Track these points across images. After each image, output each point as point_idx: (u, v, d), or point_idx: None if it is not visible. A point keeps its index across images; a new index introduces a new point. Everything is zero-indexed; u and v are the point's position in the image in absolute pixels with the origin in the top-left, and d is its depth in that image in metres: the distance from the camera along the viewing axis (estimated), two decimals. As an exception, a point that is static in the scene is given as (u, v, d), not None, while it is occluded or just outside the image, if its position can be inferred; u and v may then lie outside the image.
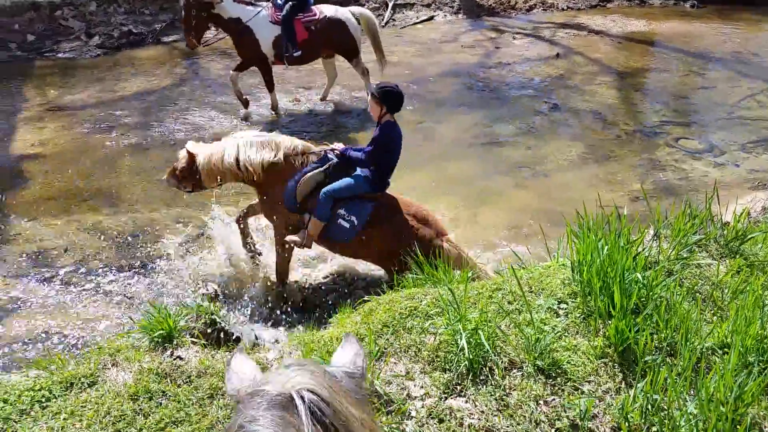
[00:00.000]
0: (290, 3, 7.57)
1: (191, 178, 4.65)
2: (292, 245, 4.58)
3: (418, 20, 13.17)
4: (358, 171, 4.51)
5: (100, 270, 5.13)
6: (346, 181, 4.45)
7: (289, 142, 4.59)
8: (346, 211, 4.43)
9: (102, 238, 5.57)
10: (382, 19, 13.08)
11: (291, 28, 7.56)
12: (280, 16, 7.60)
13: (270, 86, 8.06)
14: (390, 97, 4.37)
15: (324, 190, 4.41)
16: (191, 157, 4.58)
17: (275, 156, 4.47)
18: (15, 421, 2.58)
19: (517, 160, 7.19)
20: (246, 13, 7.59)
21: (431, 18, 13.31)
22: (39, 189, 6.36)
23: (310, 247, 4.60)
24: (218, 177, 4.56)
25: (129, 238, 5.56)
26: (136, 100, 8.70)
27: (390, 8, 13.37)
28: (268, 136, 4.62)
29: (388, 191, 4.64)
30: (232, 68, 8.15)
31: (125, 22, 11.74)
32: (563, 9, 14.07)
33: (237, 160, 4.45)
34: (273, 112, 8.27)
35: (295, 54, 7.70)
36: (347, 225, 4.42)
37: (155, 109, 8.37)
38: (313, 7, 7.82)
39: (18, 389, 2.72)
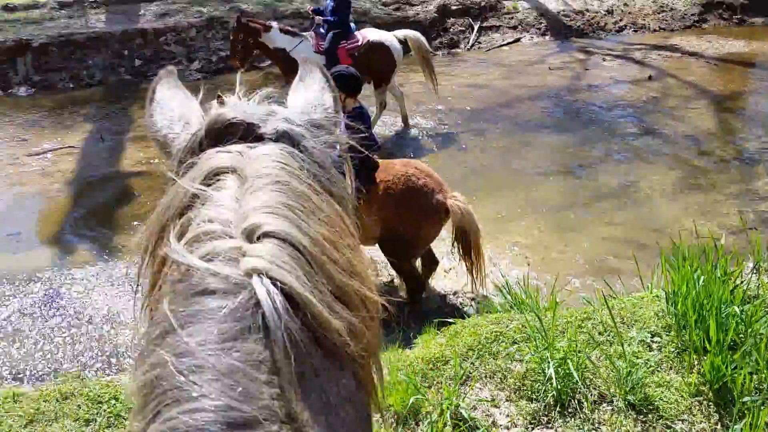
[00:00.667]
0: (333, 32, 7.66)
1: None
2: None
3: (504, 42, 13.17)
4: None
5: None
6: None
7: None
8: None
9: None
10: (467, 42, 13.18)
11: (334, 56, 7.60)
12: (323, 46, 7.71)
13: None
14: (344, 81, 4.33)
15: None
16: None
17: None
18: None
19: (607, 186, 7.03)
20: (290, 42, 7.73)
21: (517, 40, 13.28)
22: (144, 204, 6.81)
23: None
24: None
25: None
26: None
27: (476, 31, 13.45)
28: None
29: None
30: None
31: (222, 48, 12.41)
32: (655, 30, 13.68)
33: None
34: None
35: None
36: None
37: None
38: (356, 33, 7.89)
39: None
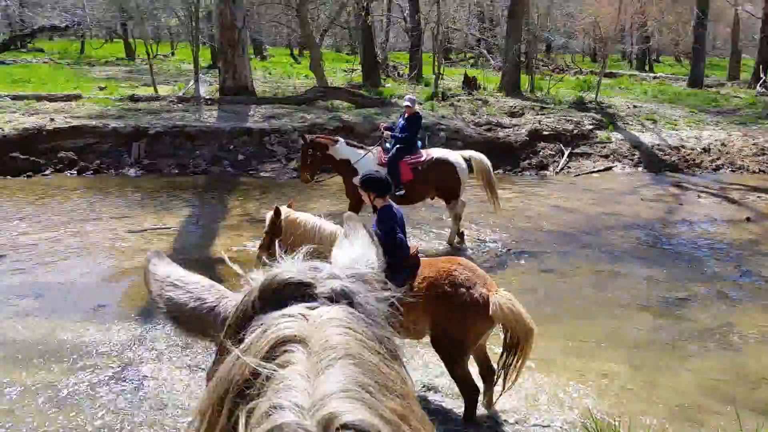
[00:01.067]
0: (397, 146, 8.08)
1: (267, 240, 5.27)
2: None
3: (594, 170, 13.15)
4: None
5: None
6: None
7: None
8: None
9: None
10: (557, 166, 13.25)
11: (396, 169, 7.93)
12: (386, 159, 8.09)
13: None
14: (373, 183, 4.89)
15: None
16: (276, 212, 5.23)
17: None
18: None
19: (695, 327, 6.58)
20: (355, 155, 8.13)
21: (609, 168, 13.24)
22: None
23: None
24: (290, 243, 4.74)
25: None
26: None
27: (566, 156, 13.55)
28: (334, 227, 5.06)
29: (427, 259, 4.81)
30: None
31: (319, 151, 13.09)
32: (755, 172, 13.31)
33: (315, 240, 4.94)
34: None
35: (397, 193, 7.76)
36: None
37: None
38: (422, 150, 8.32)
39: None
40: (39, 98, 14.78)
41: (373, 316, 0.77)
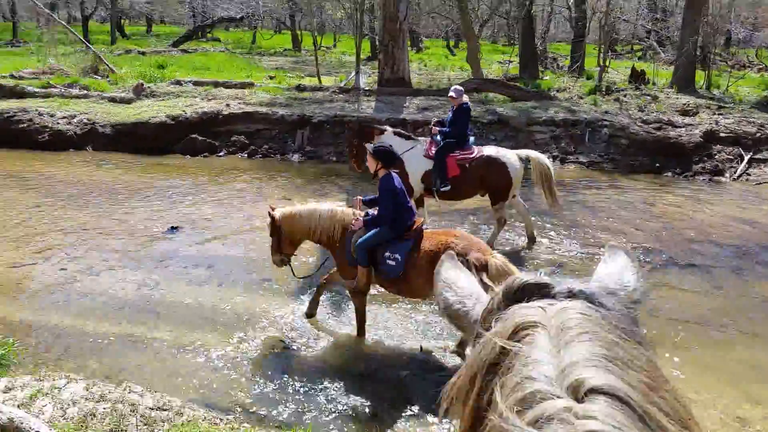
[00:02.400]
0: (446, 141, 7.71)
1: (275, 244, 5.63)
2: (351, 287, 5.50)
3: (779, 179, 11.78)
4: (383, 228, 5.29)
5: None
6: (372, 232, 5.28)
7: (338, 211, 5.52)
8: (390, 252, 5.23)
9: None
10: (734, 172, 12.04)
11: (442, 163, 7.65)
12: (434, 152, 7.75)
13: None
14: (382, 154, 5.45)
15: (357, 243, 5.27)
16: (270, 215, 5.56)
17: (337, 227, 5.48)
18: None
19: None
20: (402, 145, 7.73)
21: (798, 178, 11.79)
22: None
23: (363, 289, 5.45)
24: (297, 237, 5.61)
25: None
26: (471, 214, 9.34)
27: (745, 162, 12.27)
28: (332, 205, 5.59)
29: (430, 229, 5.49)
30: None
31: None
32: None
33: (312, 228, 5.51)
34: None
35: (442, 188, 7.69)
36: (393, 263, 5.21)
37: (484, 225, 8.85)
38: (473, 146, 7.87)
39: None
40: (216, 85, 16.11)
41: (615, 311, 0.81)
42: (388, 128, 8.14)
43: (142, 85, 15.59)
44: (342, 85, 16.74)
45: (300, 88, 16.19)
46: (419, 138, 8.23)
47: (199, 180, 11.07)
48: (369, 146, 6.28)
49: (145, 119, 13.48)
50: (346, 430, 4.28)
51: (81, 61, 18.42)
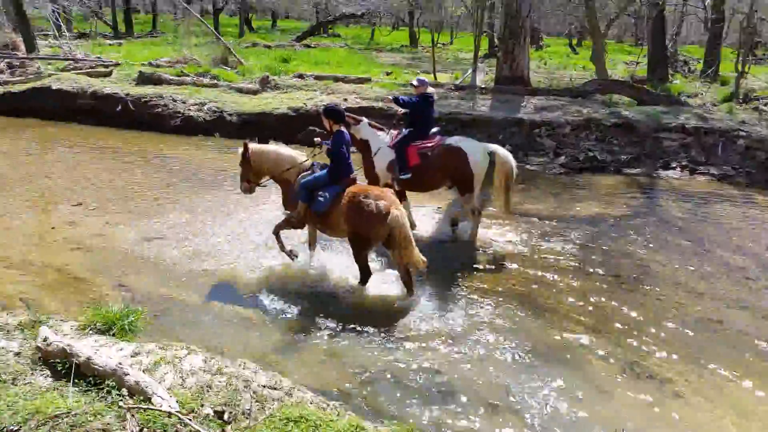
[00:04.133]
0: (407, 130, 7.88)
1: (244, 172, 6.81)
2: (291, 219, 6.71)
3: None
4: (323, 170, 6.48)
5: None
6: (314, 175, 6.47)
7: (298, 158, 6.76)
8: (323, 191, 6.34)
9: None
10: None
11: (402, 153, 7.81)
12: (394, 142, 7.92)
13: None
14: (332, 112, 6.50)
15: (301, 183, 6.48)
16: (245, 147, 6.73)
17: (293, 170, 6.68)
18: None
19: None
20: (374, 137, 8.02)
21: None
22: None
23: (300, 224, 6.73)
24: (263, 169, 6.79)
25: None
26: (586, 222, 8.95)
27: None
28: (293, 152, 6.86)
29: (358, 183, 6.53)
30: None
31: (592, 148, 12.42)
32: None
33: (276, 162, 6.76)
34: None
35: (402, 176, 7.85)
36: (322, 200, 6.31)
37: (604, 235, 8.44)
38: (438, 137, 7.92)
39: None
40: (336, 79, 16.50)
41: None
42: (364, 119, 8.25)
43: (268, 77, 16.27)
44: (458, 82, 16.61)
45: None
46: (390, 130, 8.26)
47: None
48: (326, 118, 6.62)
49: (269, 110, 14.05)
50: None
51: (212, 52, 19.51)
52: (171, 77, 16.14)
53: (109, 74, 16.69)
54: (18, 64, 17.42)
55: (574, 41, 34.08)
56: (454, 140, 7.94)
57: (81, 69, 17.05)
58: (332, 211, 6.24)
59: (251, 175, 6.85)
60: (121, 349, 4.26)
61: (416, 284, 6.32)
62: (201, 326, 5.56)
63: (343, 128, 6.44)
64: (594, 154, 12.24)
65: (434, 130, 8.07)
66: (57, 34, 21.18)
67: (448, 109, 13.78)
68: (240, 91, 15.57)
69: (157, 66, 17.61)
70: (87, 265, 6.79)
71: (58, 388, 3.76)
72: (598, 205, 9.84)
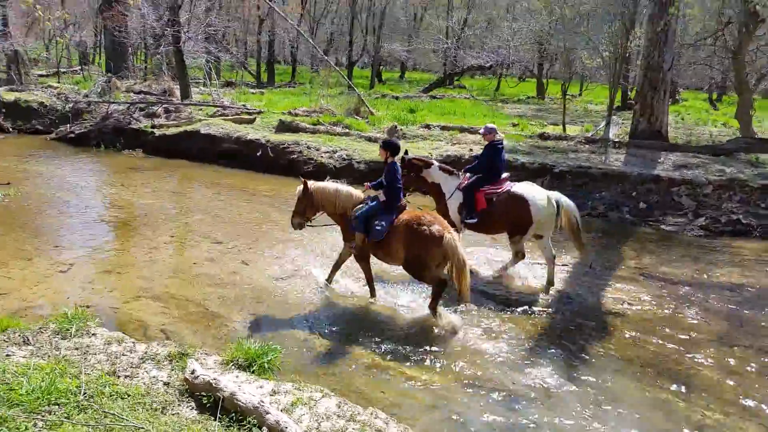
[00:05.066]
0: (477, 176, 8.21)
1: (301, 208, 7.21)
2: (350, 249, 7.32)
3: None
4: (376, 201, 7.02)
5: None
6: (368, 206, 7.00)
7: (355, 193, 7.26)
8: (378, 220, 6.85)
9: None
10: None
11: (471, 197, 8.15)
12: (464, 185, 8.25)
13: None
14: (390, 145, 7.15)
15: (356, 214, 7.00)
16: (305, 184, 7.15)
17: (351, 203, 7.18)
18: None
19: None
20: (445, 180, 8.44)
21: None
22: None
23: (359, 252, 7.17)
24: (320, 206, 7.25)
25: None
26: (727, 290, 8.32)
27: None
28: (350, 188, 7.33)
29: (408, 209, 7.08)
30: None
31: (736, 211, 11.58)
32: None
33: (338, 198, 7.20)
34: None
35: (468, 220, 8.19)
36: (380, 228, 6.80)
37: (747, 306, 7.79)
38: (506, 183, 8.15)
39: None
40: (462, 130, 16.71)
41: None
42: (435, 162, 8.69)
43: (396, 127, 16.79)
44: (589, 135, 16.21)
45: (543, 137, 16.05)
46: (461, 173, 8.58)
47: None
48: (383, 149, 7.21)
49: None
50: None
51: (346, 103, 20.48)
52: (307, 126, 17.09)
53: (252, 121, 17.98)
54: (173, 109, 19.21)
55: (714, 96, 32.24)
56: (519, 187, 8.11)
57: (227, 115, 18.51)
58: (390, 239, 6.75)
59: (309, 211, 7.28)
60: (261, 387, 4.48)
61: (539, 347, 6.13)
62: (333, 367, 5.68)
63: (396, 160, 7.12)
64: (738, 217, 11.39)
65: (505, 175, 8.33)
66: (208, 82, 23.25)
67: (577, 162, 13.48)
68: (369, 139, 16.17)
69: (296, 115, 18.73)
70: (223, 301, 7.23)
71: (202, 421, 4.01)
72: (741, 272, 9.11)
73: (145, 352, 5.04)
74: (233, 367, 4.91)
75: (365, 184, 7.56)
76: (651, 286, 8.38)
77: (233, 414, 4.02)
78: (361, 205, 7.07)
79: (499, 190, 8.07)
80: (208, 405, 4.18)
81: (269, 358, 5.00)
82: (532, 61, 30.91)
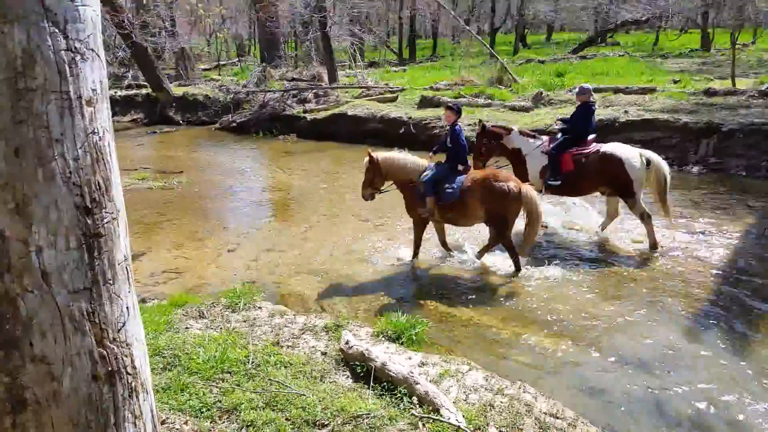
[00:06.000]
0: (564, 137, 8.09)
1: (369, 178, 7.35)
2: (424, 215, 7.34)
3: None
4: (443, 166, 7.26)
5: None
6: (434, 171, 7.19)
7: (420, 162, 7.39)
8: (449, 183, 7.07)
9: None
10: None
11: (556, 158, 8.00)
12: (550, 147, 8.12)
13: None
14: (453, 108, 7.36)
15: (424, 180, 7.16)
16: (370, 155, 7.29)
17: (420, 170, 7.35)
18: None
19: None
20: (527, 144, 8.36)
21: None
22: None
23: (432, 215, 7.27)
24: (391, 174, 7.35)
25: None
26: None
27: None
28: (416, 157, 7.48)
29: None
30: None
31: None
32: None
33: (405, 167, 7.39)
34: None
35: (551, 182, 8.08)
36: (451, 190, 7.03)
37: None
38: (594, 144, 8.00)
39: None
40: (615, 91, 15.70)
41: None
42: (514, 128, 8.64)
43: (541, 93, 16.19)
44: (764, 88, 14.48)
45: (709, 93, 14.61)
46: (542, 137, 8.55)
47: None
48: (451, 111, 7.36)
49: (540, 126, 13.97)
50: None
51: (488, 72, 20.10)
52: (449, 99, 17.02)
53: (395, 99, 18.28)
54: (322, 93, 20.07)
55: None
56: (610, 147, 7.95)
57: (371, 96, 18.98)
58: (465, 198, 6.94)
59: (377, 181, 7.40)
60: (409, 358, 4.63)
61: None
62: (484, 344, 5.68)
63: (460, 123, 7.29)
64: None
65: (591, 136, 8.15)
66: (352, 64, 23.95)
67: (750, 119, 12.14)
68: (513, 109, 15.76)
69: (437, 89, 18.73)
70: (372, 275, 7.50)
71: (357, 389, 4.23)
72: None
73: (305, 324, 5.40)
74: (383, 338, 5.11)
75: (429, 154, 7.63)
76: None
77: (385, 383, 4.19)
78: (427, 172, 7.24)
79: (588, 151, 7.97)
80: (361, 374, 4.39)
81: (416, 331, 5.13)
82: (695, 9, 28.06)
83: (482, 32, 38.30)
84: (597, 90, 16.03)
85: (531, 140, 8.44)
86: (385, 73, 25.69)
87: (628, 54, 27.11)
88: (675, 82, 17.08)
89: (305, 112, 18.66)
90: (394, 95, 18.66)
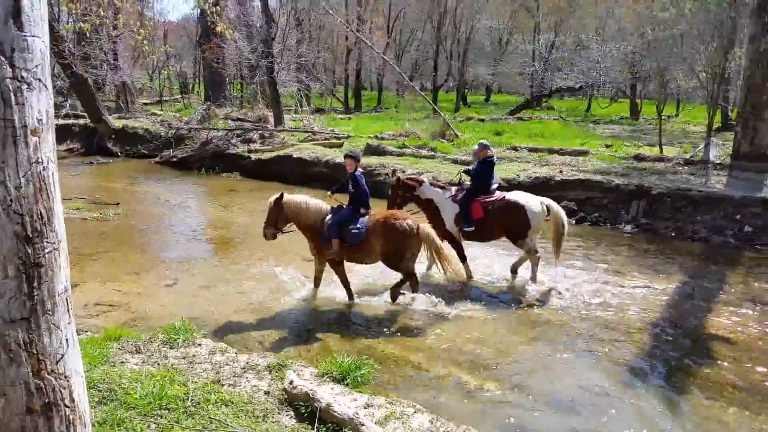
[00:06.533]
0: (471, 187, 8.81)
1: (273, 219, 7.53)
2: (331, 256, 7.66)
3: None
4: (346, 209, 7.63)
5: None
6: (339, 214, 7.53)
7: (323, 206, 7.69)
8: (353, 224, 7.43)
9: None
10: None
11: (467, 207, 8.66)
12: (458, 198, 8.79)
13: (460, 257, 8.87)
14: (357, 158, 7.84)
15: (329, 224, 7.46)
16: (281, 196, 7.50)
17: (320, 216, 7.63)
18: None
19: None
20: (438, 195, 9.00)
21: None
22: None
23: (338, 256, 7.62)
24: (294, 217, 7.59)
25: None
26: None
27: None
28: (319, 201, 7.75)
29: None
30: None
31: None
32: None
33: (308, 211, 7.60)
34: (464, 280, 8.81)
35: (465, 228, 8.68)
36: (356, 231, 7.39)
37: None
38: (498, 192, 8.80)
39: None
40: (551, 152, 16.45)
41: None
42: (425, 180, 9.31)
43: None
44: (688, 156, 15.53)
45: (639, 158, 15.53)
46: (451, 187, 9.23)
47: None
48: (352, 159, 7.80)
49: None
50: None
51: (431, 126, 20.67)
52: (393, 149, 17.37)
53: (341, 145, 18.48)
54: (268, 135, 20.08)
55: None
56: (513, 195, 8.78)
57: (317, 140, 19.13)
58: (368, 238, 7.35)
59: (280, 223, 7.60)
60: (355, 400, 4.58)
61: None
62: (421, 386, 5.69)
63: (360, 170, 7.69)
64: None
65: (494, 186, 8.91)
66: (299, 109, 24.16)
67: (676, 185, 12.92)
68: (455, 161, 16.20)
69: (382, 139, 19.08)
70: (314, 315, 7.43)
71: (301, 430, 4.15)
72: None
73: (247, 362, 5.28)
74: (328, 379, 5.05)
75: (327, 193, 8.19)
76: (761, 312, 7.88)
77: (329, 424, 4.13)
78: (329, 215, 7.57)
79: (494, 199, 8.69)
80: (305, 414, 4.31)
81: (362, 372, 5.10)
82: (624, 81, 30.00)
83: (425, 89, 39.56)
84: (534, 150, 16.78)
85: (441, 191, 9.11)
86: (332, 120, 26.01)
87: (562, 118, 28.52)
88: (607, 146, 18.06)
89: (250, 151, 18.59)
90: (340, 141, 18.88)
